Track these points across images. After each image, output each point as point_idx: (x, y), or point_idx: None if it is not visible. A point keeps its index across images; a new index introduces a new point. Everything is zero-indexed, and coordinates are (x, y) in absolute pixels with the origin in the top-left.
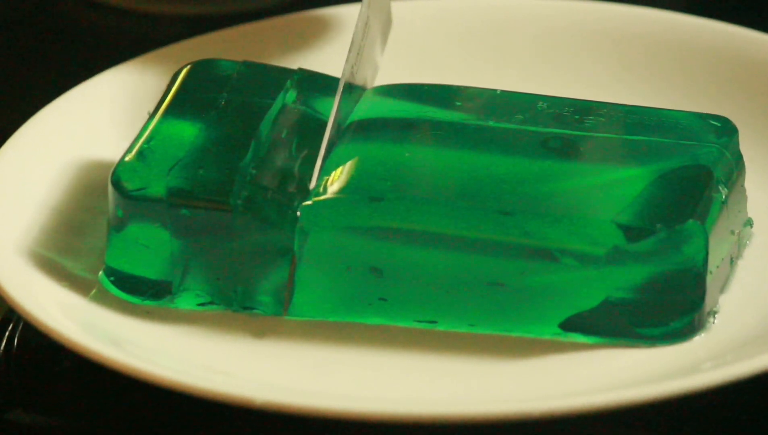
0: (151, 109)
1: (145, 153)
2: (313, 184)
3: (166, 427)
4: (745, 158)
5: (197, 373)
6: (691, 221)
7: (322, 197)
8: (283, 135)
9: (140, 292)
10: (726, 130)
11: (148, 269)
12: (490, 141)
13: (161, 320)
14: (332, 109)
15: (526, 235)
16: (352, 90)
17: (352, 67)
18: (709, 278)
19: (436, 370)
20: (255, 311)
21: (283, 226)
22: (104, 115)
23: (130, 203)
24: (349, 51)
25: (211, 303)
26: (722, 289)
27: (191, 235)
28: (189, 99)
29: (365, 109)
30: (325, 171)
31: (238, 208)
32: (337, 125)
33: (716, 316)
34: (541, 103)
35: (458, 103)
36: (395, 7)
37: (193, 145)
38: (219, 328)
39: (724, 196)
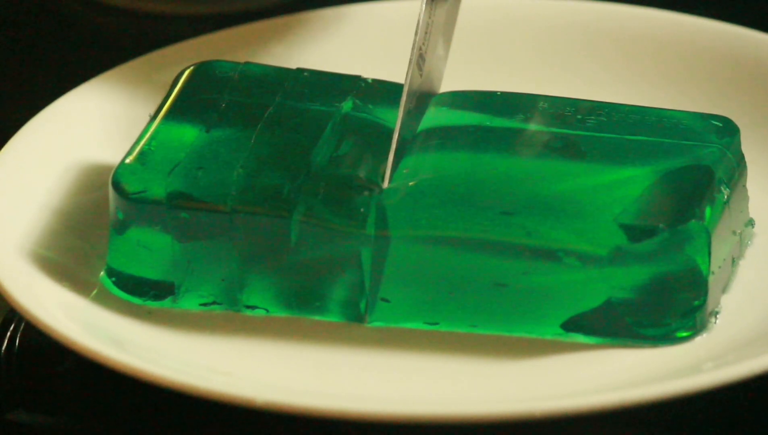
0: (152, 111)
1: (145, 155)
2: (386, 184)
3: (166, 427)
4: (746, 158)
5: (198, 373)
6: (693, 221)
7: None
8: (281, 133)
9: (142, 292)
10: (727, 130)
11: (150, 270)
12: (492, 141)
13: (162, 321)
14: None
15: (528, 235)
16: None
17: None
18: (710, 278)
19: (436, 370)
20: (259, 311)
21: (284, 224)
22: (105, 116)
23: (131, 205)
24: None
25: (213, 303)
26: (724, 289)
27: (192, 236)
28: (190, 101)
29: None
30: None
31: (236, 208)
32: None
33: (718, 316)
34: (542, 103)
35: (458, 105)
36: (394, 8)
37: (194, 146)
38: (220, 329)
39: (725, 197)
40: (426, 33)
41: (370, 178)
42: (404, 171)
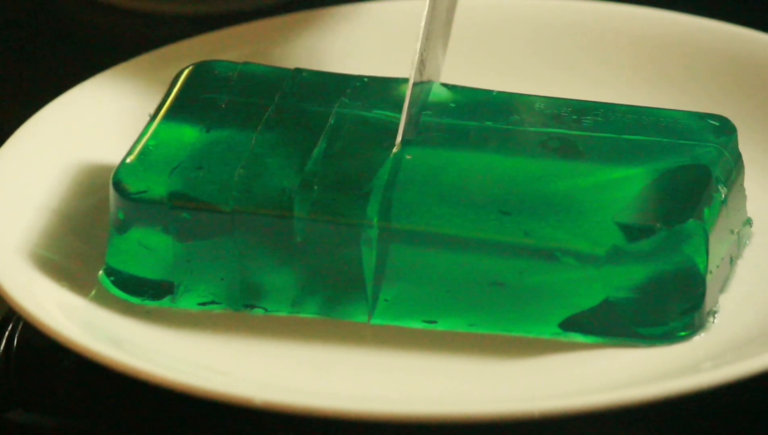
0: (152, 111)
1: (146, 155)
2: (398, 142)
3: (166, 427)
4: (744, 158)
5: (197, 373)
6: (691, 221)
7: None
8: (282, 132)
9: (140, 292)
10: (725, 129)
11: (149, 270)
12: (490, 141)
13: (161, 320)
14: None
15: (525, 234)
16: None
17: (422, 55)
18: (708, 278)
19: (436, 370)
20: (258, 310)
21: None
22: (104, 115)
23: (132, 205)
24: (419, 42)
25: (212, 302)
26: (722, 289)
27: (193, 236)
28: (189, 101)
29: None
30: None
31: (237, 208)
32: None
33: (716, 315)
34: (539, 103)
35: (456, 104)
36: (394, 8)
37: (194, 146)
38: (219, 328)
39: (723, 196)
40: (427, 39)
41: (370, 171)
42: (404, 169)
